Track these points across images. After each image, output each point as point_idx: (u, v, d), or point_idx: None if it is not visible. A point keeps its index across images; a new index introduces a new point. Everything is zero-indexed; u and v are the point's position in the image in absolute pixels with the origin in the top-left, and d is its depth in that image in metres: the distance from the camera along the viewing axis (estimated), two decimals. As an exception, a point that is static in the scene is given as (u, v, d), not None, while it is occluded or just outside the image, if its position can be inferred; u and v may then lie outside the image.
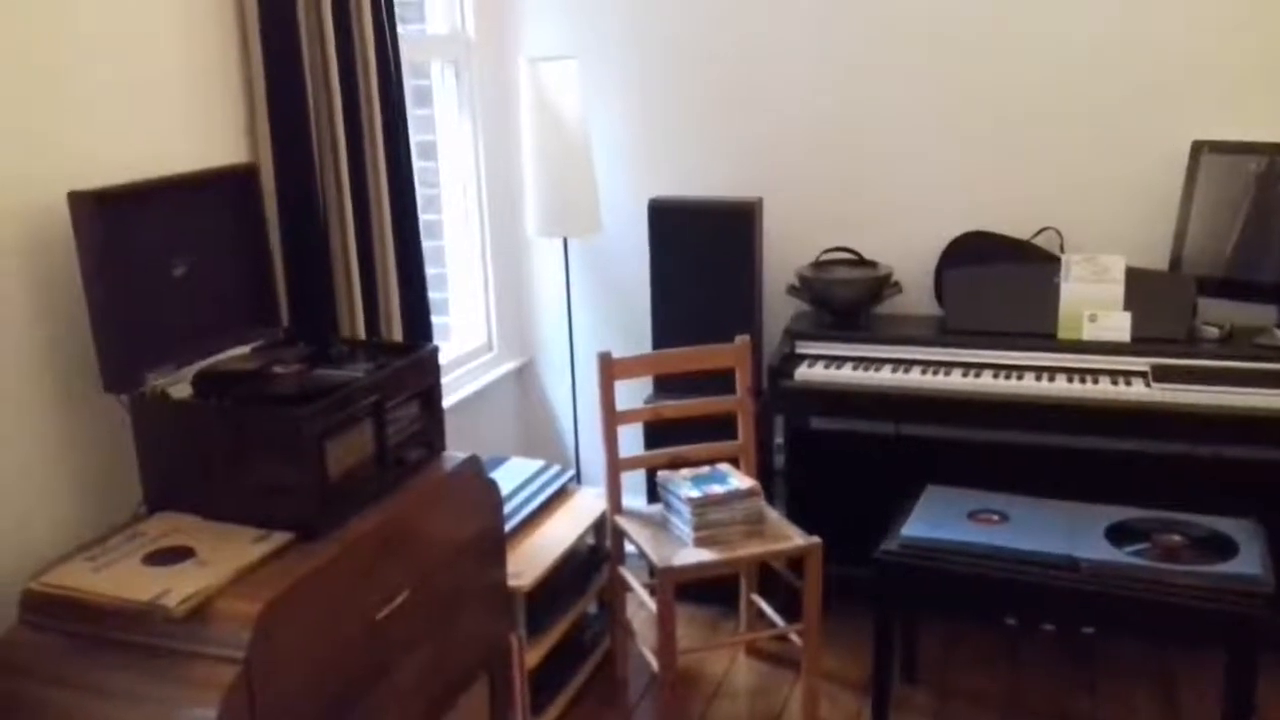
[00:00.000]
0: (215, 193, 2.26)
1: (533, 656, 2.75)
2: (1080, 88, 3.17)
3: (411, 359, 2.27)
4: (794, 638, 2.91)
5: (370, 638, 2.05)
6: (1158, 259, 3.12)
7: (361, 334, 2.69)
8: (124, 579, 1.83)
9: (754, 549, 2.75)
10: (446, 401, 2.69)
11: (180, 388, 2.07)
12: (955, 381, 2.98)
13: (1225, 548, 2.51)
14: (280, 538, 1.95)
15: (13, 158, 1.97)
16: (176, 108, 2.32)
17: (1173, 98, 3.10)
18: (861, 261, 3.38)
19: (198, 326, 2.20)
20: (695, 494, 2.77)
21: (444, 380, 2.51)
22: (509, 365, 3.82)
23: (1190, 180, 3.02)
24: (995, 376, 2.96)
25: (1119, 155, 3.18)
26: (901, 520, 2.74)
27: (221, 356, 2.23)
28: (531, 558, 2.81)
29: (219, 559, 1.88)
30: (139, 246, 2.07)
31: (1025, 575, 2.52)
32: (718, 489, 2.79)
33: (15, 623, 1.86)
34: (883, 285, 3.24)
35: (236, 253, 2.31)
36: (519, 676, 2.67)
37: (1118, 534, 2.59)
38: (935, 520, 2.71)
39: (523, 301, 3.90)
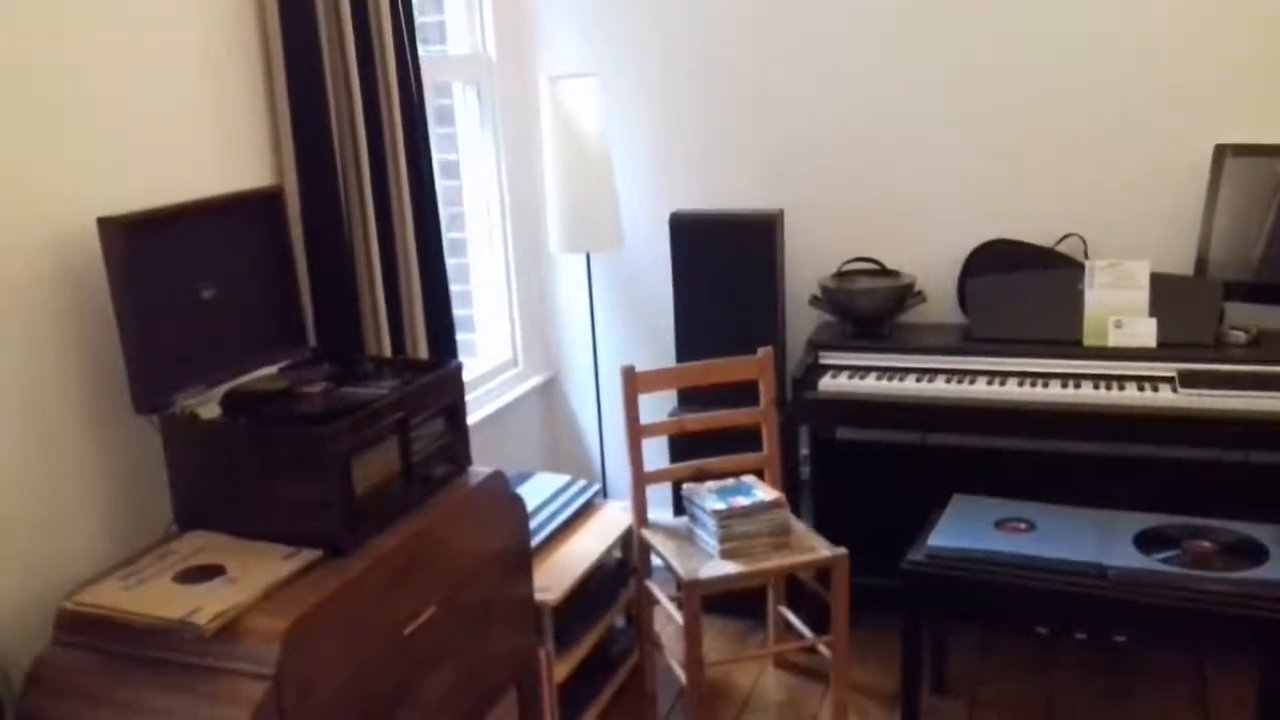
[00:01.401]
0: (241, 216, 2.29)
1: (561, 670, 2.76)
2: (1101, 93, 3.16)
3: (436, 376, 2.29)
4: (822, 649, 2.90)
5: (398, 653, 2.06)
6: (1183, 264, 3.10)
7: (387, 352, 2.72)
8: (155, 597, 1.85)
9: (780, 561, 2.75)
10: (472, 418, 2.71)
11: (209, 408, 2.10)
12: (980, 390, 2.96)
13: (1256, 553, 2.49)
14: (309, 555, 1.97)
15: (43, 185, 2.01)
16: (203, 133, 2.36)
17: (1194, 102, 3.08)
18: (884, 271, 3.38)
19: (226, 347, 2.23)
20: (720, 506, 2.77)
21: (469, 397, 2.53)
22: (534, 381, 3.84)
23: (1214, 184, 3.00)
24: (1021, 384, 2.95)
25: (1141, 160, 3.16)
26: (928, 530, 2.73)
27: (249, 377, 2.26)
28: (559, 572, 2.82)
29: (249, 576, 1.90)
30: (167, 270, 2.10)
31: (1054, 584, 2.51)
32: (743, 501, 2.79)
33: (49, 642, 1.89)
34: (905, 294, 3.24)
35: (263, 274, 2.34)
36: (548, 690, 2.68)
37: (1147, 541, 2.58)
38: (962, 530, 2.70)
39: (547, 317, 3.92)
